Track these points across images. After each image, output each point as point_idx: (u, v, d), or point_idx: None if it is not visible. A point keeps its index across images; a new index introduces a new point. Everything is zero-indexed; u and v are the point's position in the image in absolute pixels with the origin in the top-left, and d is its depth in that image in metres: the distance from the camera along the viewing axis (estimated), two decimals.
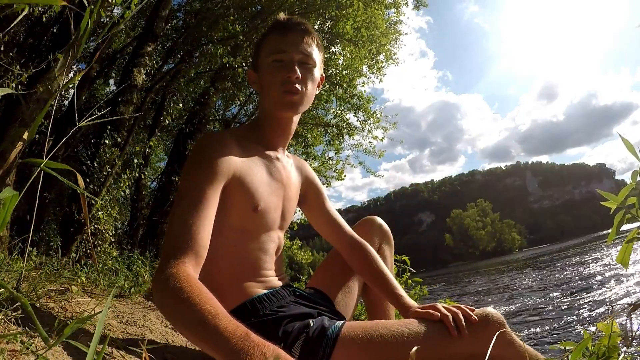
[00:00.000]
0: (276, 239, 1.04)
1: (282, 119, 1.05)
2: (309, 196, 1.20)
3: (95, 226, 3.70)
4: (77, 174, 0.63)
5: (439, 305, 0.92)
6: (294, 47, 0.99)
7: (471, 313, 0.88)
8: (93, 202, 3.67)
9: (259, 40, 1.07)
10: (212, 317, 0.61)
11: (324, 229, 1.20)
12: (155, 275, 0.72)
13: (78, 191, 0.67)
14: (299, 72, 0.97)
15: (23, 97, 2.59)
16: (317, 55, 1.04)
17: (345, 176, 7.54)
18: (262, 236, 0.99)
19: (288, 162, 1.12)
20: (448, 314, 0.88)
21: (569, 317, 4.68)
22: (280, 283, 1.02)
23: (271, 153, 1.06)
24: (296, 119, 1.09)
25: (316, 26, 6.13)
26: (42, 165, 0.59)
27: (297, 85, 0.98)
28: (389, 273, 1.10)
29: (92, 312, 1.17)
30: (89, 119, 0.84)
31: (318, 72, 1.05)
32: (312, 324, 0.88)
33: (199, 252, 0.76)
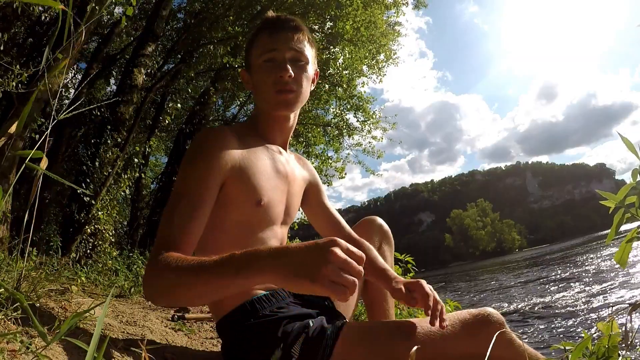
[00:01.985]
0: (279, 235, 1.02)
1: (278, 117, 1.04)
2: (310, 194, 1.20)
3: (95, 226, 3.70)
4: (44, 155, 0.65)
5: (423, 282, 0.94)
6: (285, 44, 0.97)
7: (444, 318, 0.87)
8: (92, 201, 3.68)
9: (249, 40, 1.05)
10: (199, 265, 0.68)
11: (322, 227, 1.20)
12: (147, 268, 0.76)
13: (38, 171, 0.68)
14: (291, 71, 0.95)
15: (22, 96, 2.59)
16: (309, 51, 1.02)
17: (345, 174, 7.54)
18: (264, 231, 0.97)
19: (290, 158, 1.11)
20: (430, 293, 0.91)
21: (569, 317, 4.67)
22: None
23: (273, 147, 1.05)
24: (293, 117, 1.08)
25: (316, 26, 6.13)
26: (27, 160, 0.59)
27: (290, 85, 0.96)
28: (387, 266, 1.10)
29: (92, 311, 1.17)
30: (67, 110, 0.84)
31: (311, 68, 1.03)
32: (311, 324, 0.88)
33: (188, 249, 0.80)
